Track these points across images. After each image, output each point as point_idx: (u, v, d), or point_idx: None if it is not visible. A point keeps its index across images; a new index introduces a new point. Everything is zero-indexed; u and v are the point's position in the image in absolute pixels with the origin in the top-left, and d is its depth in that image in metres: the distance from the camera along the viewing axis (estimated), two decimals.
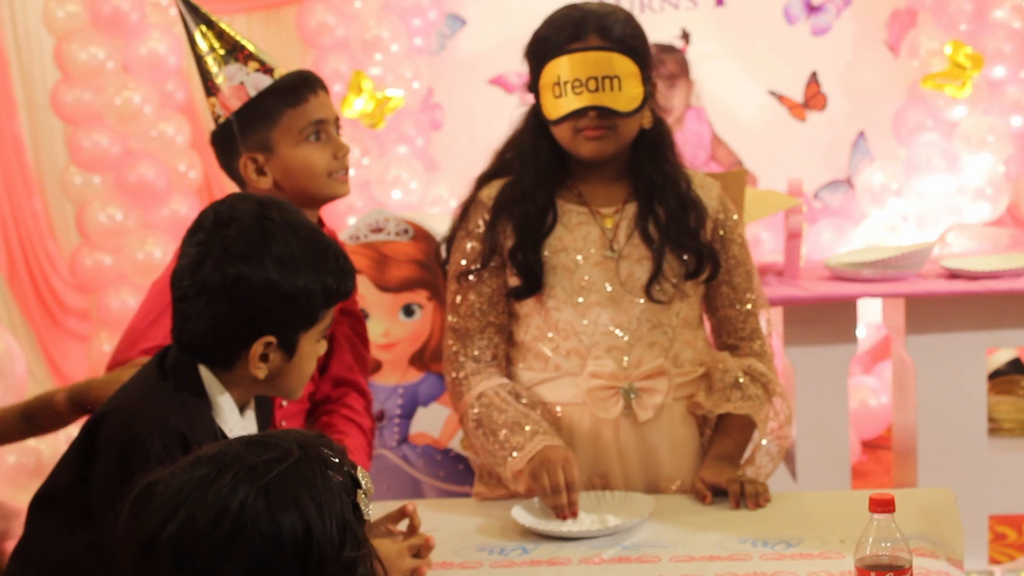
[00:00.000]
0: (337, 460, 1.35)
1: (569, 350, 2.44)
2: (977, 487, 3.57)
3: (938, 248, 4.19)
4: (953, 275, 3.61)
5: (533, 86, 2.44)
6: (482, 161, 2.57)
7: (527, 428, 2.36)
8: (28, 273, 5.50)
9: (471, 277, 2.48)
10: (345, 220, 5.00)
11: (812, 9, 5.30)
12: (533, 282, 2.45)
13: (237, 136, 2.45)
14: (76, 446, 1.87)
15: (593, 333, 2.42)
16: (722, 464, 2.40)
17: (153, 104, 4.95)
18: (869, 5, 5.31)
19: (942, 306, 3.58)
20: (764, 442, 2.48)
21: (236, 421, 1.90)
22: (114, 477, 1.76)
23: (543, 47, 2.41)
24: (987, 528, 3.69)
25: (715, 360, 2.48)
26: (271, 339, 1.85)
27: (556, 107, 2.38)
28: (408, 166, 5.10)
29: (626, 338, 2.42)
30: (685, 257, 2.44)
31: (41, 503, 1.90)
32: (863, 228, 5.14)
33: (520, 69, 2.53)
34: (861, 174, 5.19)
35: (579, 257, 2.44)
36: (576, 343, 2.43)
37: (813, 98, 5.37)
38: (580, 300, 2.43)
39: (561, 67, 2.36)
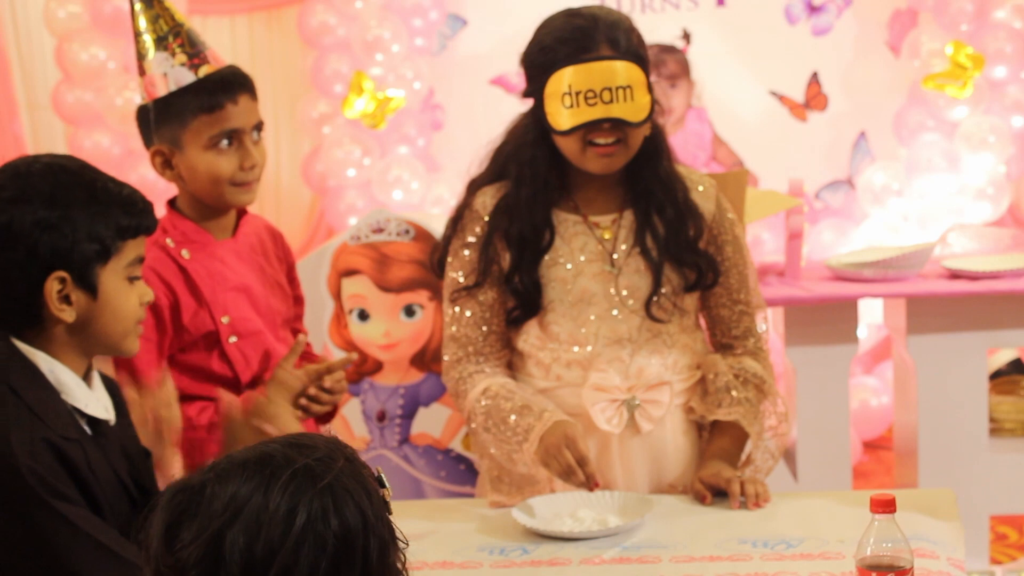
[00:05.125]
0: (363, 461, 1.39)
1: (570, 360, 2.42)
2: (978, 487, 3.56)
3: (939, 248, 4.19)
4: (954, 275, 3.60)
5: (536, 94, 2.38)
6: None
7: (535, 409, 2.34)
8: None
9: (469, 289, 2.46)
10: (346, 220, 5.00)
11: (813, 9, 5.30)
12: (530, 307, 2.43)
13: (152, 125, 2.44)
14: None
15: (593, 345, 2.41)
16: (720, 464, 2.39)
17: None
18: (870, 5, 5.31)
19: (943, 306, 3.58)
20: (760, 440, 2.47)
21: (86, 394, 1.86)
22: None
23: (549, 55, 2.34)
24: (988, 528, 3.69)
25: (708, 363, 2.46)
26: (63, 274, 1.81)
27: (566, 118, 2.32)
28: (409, 166, 5.10)
29: (626, 350, 2.41)
30: (685, 270, 2.43)
31: None
32: (864, 228, 5.13)
33: (522, 70, 2.49)
34: (862, 174, 5.19)
35: (577, 270, 2.41)
36: (576, 354, 2.42)
37: (814, 98, 5.36)
38: (579, 313, 2.41)
39: (571, 77, 2.30)
